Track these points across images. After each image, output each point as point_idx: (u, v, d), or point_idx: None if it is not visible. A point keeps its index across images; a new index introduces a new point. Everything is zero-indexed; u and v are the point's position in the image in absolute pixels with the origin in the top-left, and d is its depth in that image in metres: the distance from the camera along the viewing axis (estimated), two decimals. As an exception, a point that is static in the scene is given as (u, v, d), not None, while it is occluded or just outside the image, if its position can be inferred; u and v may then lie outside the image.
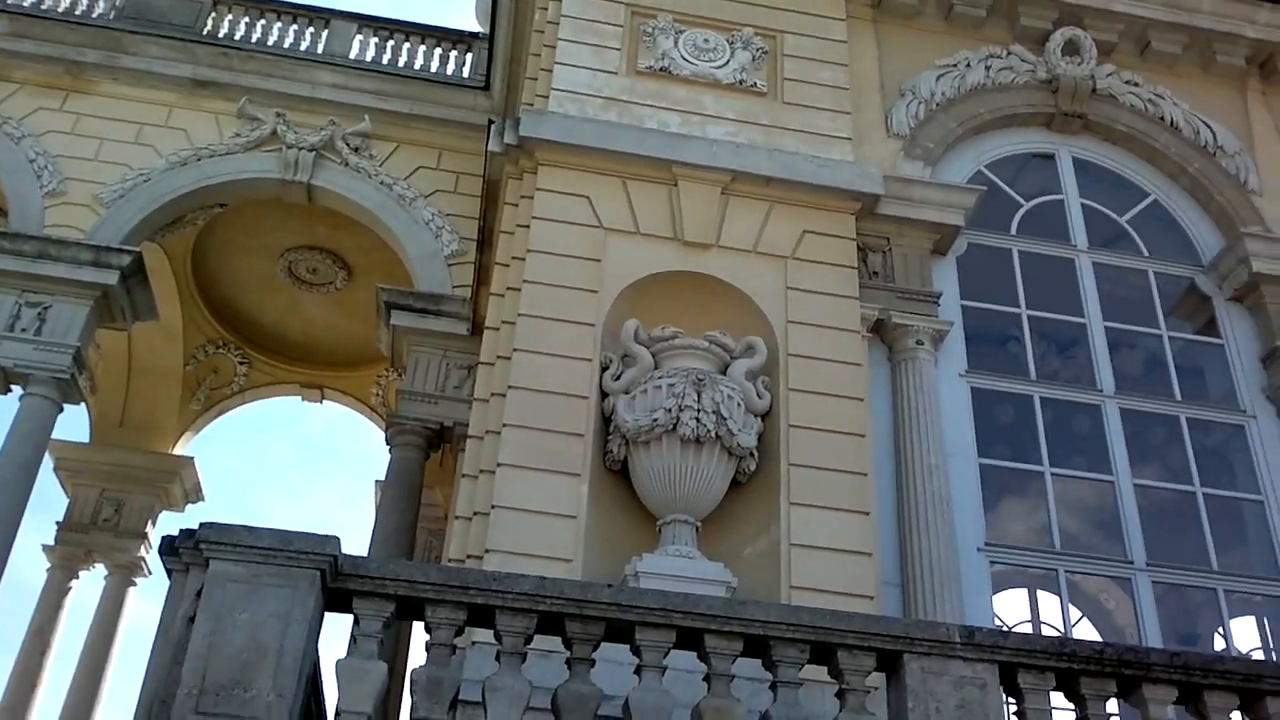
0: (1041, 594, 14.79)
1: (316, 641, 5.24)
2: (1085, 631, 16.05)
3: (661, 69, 10.35)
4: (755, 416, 8.66)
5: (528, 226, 9.40)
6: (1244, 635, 13.50)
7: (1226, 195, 11.42)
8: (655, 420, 8.21)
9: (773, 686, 5.60)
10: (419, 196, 13.72)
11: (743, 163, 9.76)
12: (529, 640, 5.49)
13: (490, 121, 10.83)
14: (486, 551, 7.77)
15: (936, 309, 9.98)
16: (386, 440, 12.80)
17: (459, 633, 5.50)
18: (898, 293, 9.92)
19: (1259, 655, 12.38)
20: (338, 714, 5.06)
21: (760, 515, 8.44)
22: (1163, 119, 11.71)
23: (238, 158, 13.64)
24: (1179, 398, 10.50)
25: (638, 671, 5.54)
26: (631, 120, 9.94)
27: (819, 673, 5.80)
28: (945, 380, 9.87)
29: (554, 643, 5.66)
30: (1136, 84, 11.84)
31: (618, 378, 8.69)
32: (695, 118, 10.13)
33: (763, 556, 8.23)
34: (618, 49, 10.41)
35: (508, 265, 9.48)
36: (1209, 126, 11.74)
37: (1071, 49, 11.65)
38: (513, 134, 9.78)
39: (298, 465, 42.06)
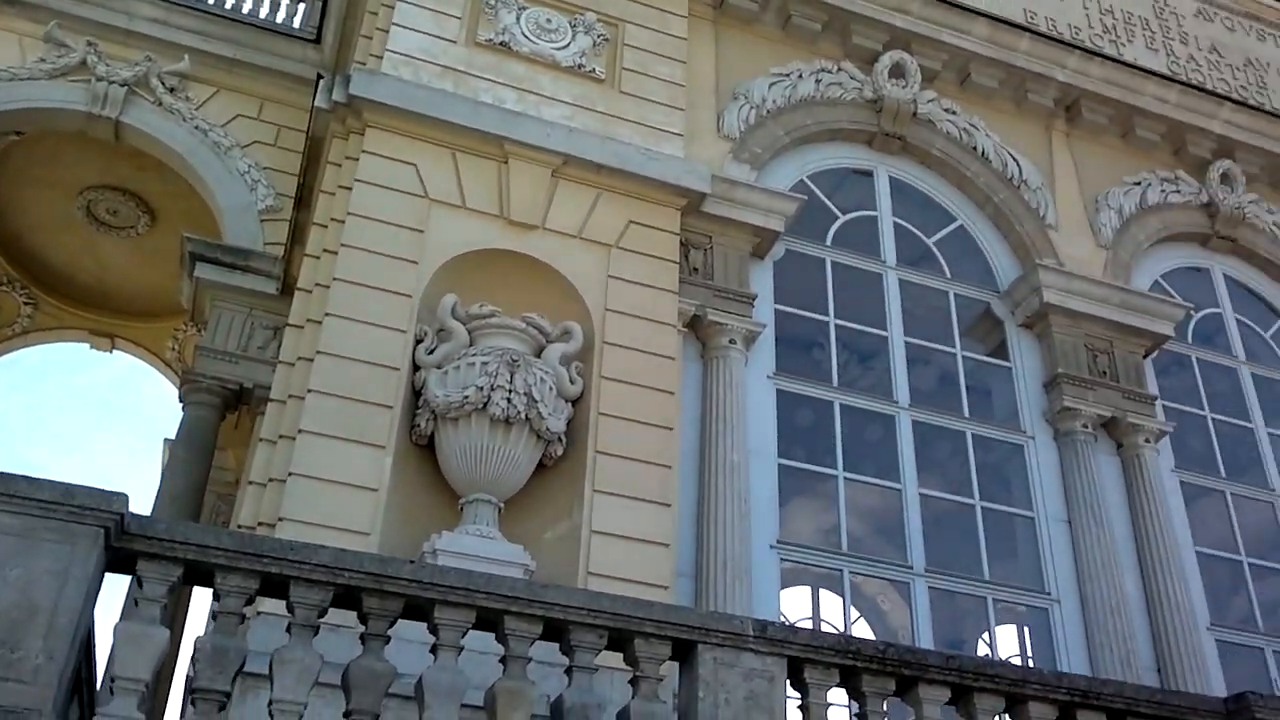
0: (825, 593, 15.40)
1: (94, 603, 4.94)
2: (862, 631, 16.79)
3: (501, 43, 10.21)
4: (566, 401, 8.67)
5: (350, 189, 9.14)
6: (1006, 643, 14.40)
7: (1026, 227, 12.08)
8: (466, 397, 8.12)
9: (568, 671, 5.61)
10: (235, 146, 13.13)
11: (576, 147, 9.74)
12: (323, 614, 5.33)
13: (319, 76, 10.48)
14: (280, 520, 7.54)
15: (751, 310, 10.21)
16: (180, 398, 12.26)
17: (249, 602, 5.30)
18: (715, 291, 10.10)
19: (1017, 662, 13.19)
20: (112, 680, 4.79)
21: (564, 500, 8.46)
22: (975, 149, 12.29)
23: (41, 84, 12.74)
24: (967, 415, 11.07)
25: (433, 650, 5.46)
26: (467, 92, 9.78)
27: (613, 659, 5.85)
28: (754, 380, 10.12)
29: (346, 617, 5.52)
30: (954, 112, 12.39)
31: (431, 351, 8.55)
32: (532, 97, 10.04)
33: (563, 541, 8.26)
34: (458, 18, 10.22)
35: (325, 227, 9.20)
36: (1016, 160, 12.39)
37: (898, 72, 12.10)
38: (342, 91, 9.47)
39: (78, 417, 39.72)
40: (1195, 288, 13.04)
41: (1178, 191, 13.17)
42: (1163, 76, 13.43)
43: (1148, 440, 11.16)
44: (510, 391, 8.18)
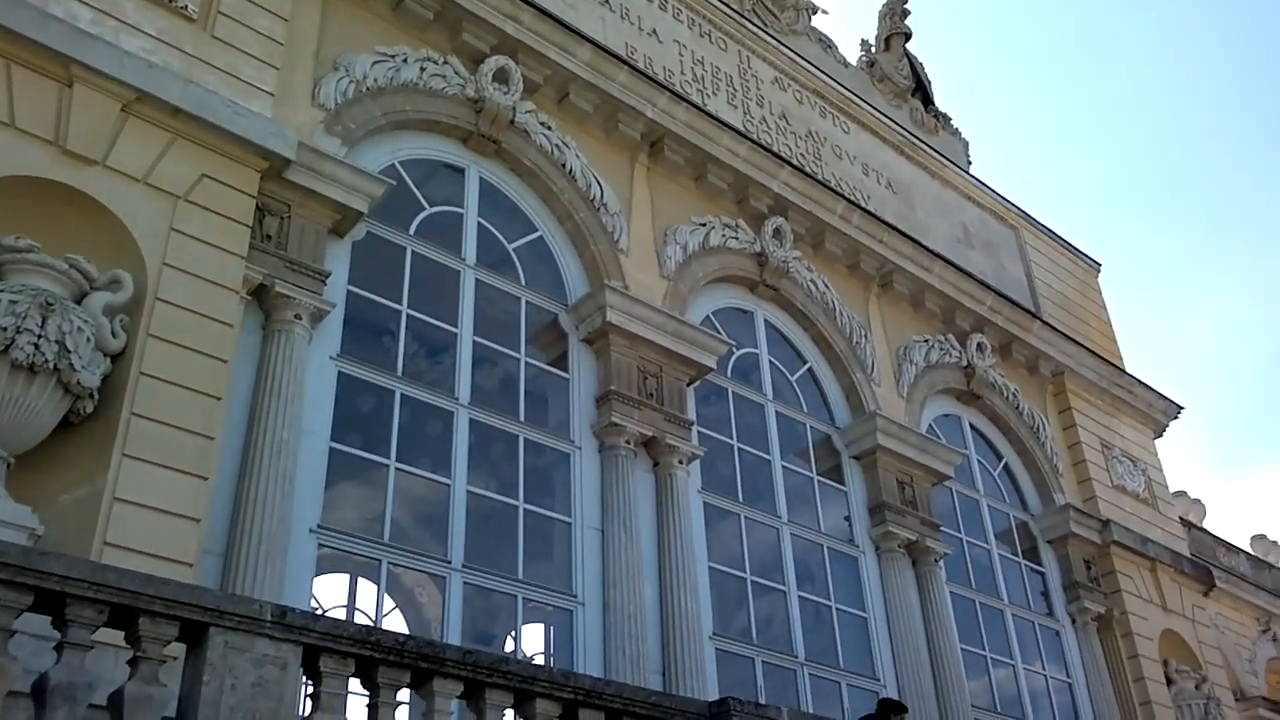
0: (362, 581, 15.21)
1: None
2: (396, 622, 16.76)
3: (83, -44, 9.25)
4: (105, 356, 7.98)
5: None
6: (533, 640, 14.96)
7: (600, 248, 12.68)
8: (-15, 337, 7.26)
9: (59, 647, 5.16)
10: None
11: (153, 84, 8.96)
12: None
13: None
14: None
15: (323, 287, 9.94)
16: None
17: None
18: (287, 263, 9.73)
19: (541, 660, 13.75)
20: None
21: (88, 462, 7.75)
22: (565, 166, 12.74)
23: None
24: (523, 419, 11.41)
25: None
26: (36, 0, 8.76)
27: (114, 636, 5.45)
28: (315, 360, 9.85)
29: None
30: (550, 128, 12.78)
31: (-52, 280, 7.57)
32: (111, 21, 9.15)
33: (81, 506, 7.56)
34: (35, -84, 9.14)
35: None
36: (600, 184, 12.98)
37: (502, 77, 12.29)
38: (-125, -32, 8.19)
39: None
40: (739, 327, 14.29)
41: (736, 238, 14.37)
42: (737, 132, 14.61)
43: (681, 461, 12.04)
44: (40, 337, 7.42)
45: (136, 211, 8.64)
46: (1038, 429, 17.50)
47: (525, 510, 11.02)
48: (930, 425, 16.06)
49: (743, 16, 16.59)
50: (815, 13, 18.34)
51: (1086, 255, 21.17)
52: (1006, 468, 17.19)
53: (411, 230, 11.34)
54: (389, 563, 10.33)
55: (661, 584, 11.41)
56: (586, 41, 13.11)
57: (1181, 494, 22.95)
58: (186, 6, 9.69)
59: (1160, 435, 19.87)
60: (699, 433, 12.64)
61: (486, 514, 11.31)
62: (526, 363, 11.82)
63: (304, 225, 10.03)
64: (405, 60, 11.72)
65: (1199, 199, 50.26)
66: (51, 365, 7.43)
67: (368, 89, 11.23)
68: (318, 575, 10.69)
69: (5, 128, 8.27)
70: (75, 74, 8.67)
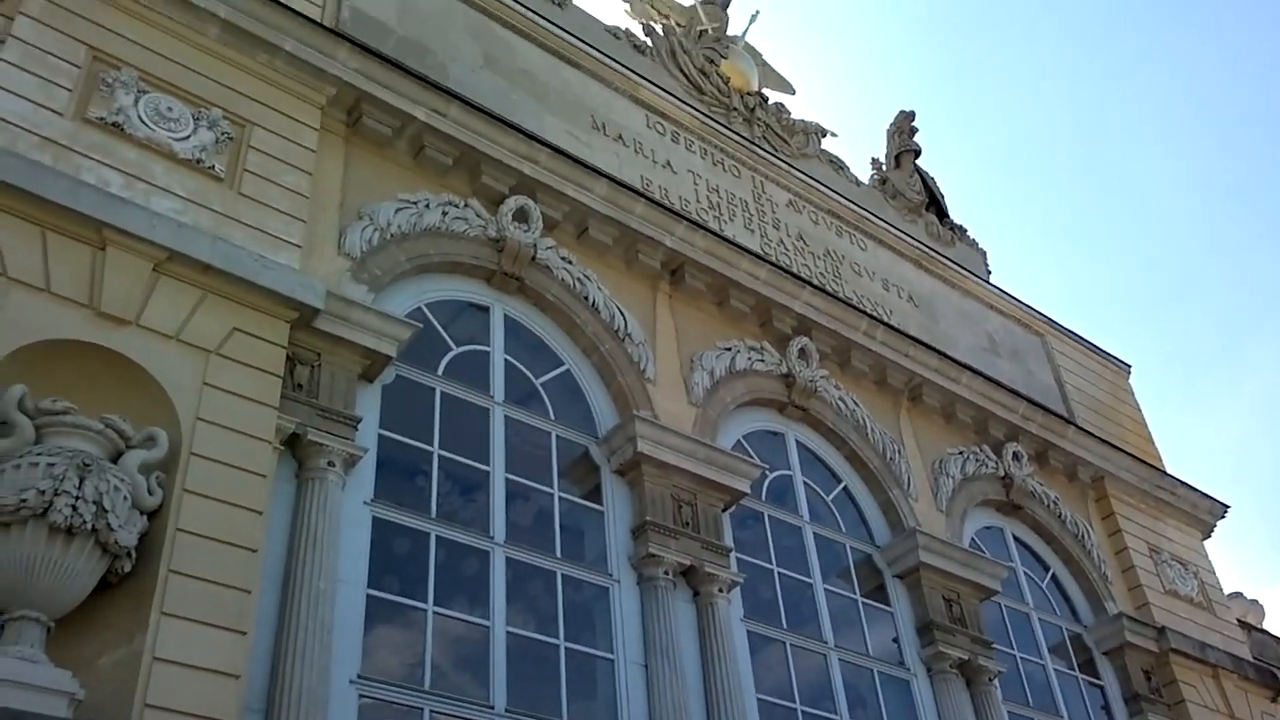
0: (401, 731, 14.81)
1: None
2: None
3: (114, 124, 9.55)
4: (142, 514, 7.94)
5: (-90, 256, 8.09)
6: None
7: (627, 378, 12.70)
8: (24, 500, 7.23)
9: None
10: None
11: (183, 243, 9.16)
12: None
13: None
14: None
15: (354, 433, 9.95)
16: None
17: None
18: (319, 410, 9.76)
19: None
20: None
21: (126, 622, 7.65)
22: (587, 299, 12.85)
23: None
24: (559, 555, 11.27)
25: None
26: (68, 169, 9.00)
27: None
28: (349, 506, 9.80)
29: None
30: (571, 262, 12.94)
31: (-14, 446, 7.60)
32: (141, 184, 9.41)
33: (121, 668, 7.42)
34: (69, 90, 9.47)
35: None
36: (623, 314, 13.07)
37: (522, 216, 12.51)
38: (-84, 148, 8.46)
39: None
40: (772, 449, 14.18)
41: (762, 360, 14.38)
42: (756, 255, 14.77)
43: (721, 590, 11.82)
44: (78, 499, 7.39)
45: (170, 368, 8.72)
46: (1083, 537, 17.17)
47: (566, 649, 10.79)
48: (973, 539, 15.78)
49: (754, 144, 16.92)
50: (824, 136, 18.69)
51: (1115, 357, 21.08)
52: (1054, 578, 16.80)
53: (440, 371, 11.40)
54: (431, 710, 10.07)
55: (709, 718, 11.08)
56: (603, 177, 13.36)
57: (1237, 595, 22.31)
58: (214, 167, 9.95)
59: (1209, 536, 19.45)
60: (738, 559, 12.45)
61: (527, 653, 11.06)
62: (560, 497, 11.73)
63: (334, 372, 10.10)
64: (427, 205, 11.95)
65: (1222, 286, 50.22)
66: (89, 526, 7.39)
67: (392, 235, 11.43)
68: (358, 727, 10.43)
69: (41, 292, 8.41)
70: (108, 237, 8.85)
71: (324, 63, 11.36)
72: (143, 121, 9.73)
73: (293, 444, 9.55)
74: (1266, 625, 22.93)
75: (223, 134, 10.21)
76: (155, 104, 9.92)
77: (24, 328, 8.18)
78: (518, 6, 14.57)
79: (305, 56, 11.21)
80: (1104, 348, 20.99)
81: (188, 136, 9.95)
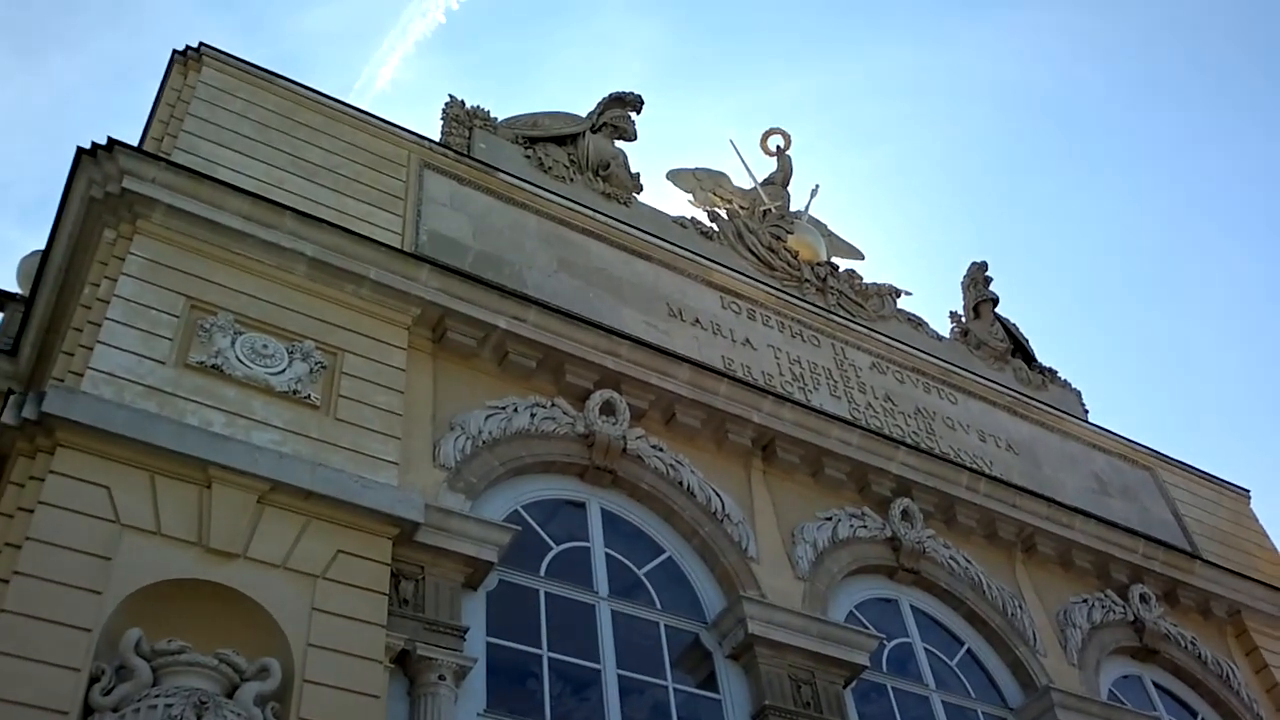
0: None
1: None
2: None
3: (214, 366, 10.05)
4: (260, 746, 8.00)
5: (32, 511, 8.46)
6: None
7: (730, 559, 12.56)
8: (145, 745, 7.35)
9: None
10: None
11: (284, 473, 9.48)
12: None
13: (9, 391, 9.90)
14: None
15: (462, 644, 9.94)
16: None
17: None
18: (426, 624, 9.80)
19: None
20: None
21: None
22: (681, 483, 12.87)
23: None
24: (679, 749, 10.96)
25: None
26: (172, 413, 9.45)
27: None
28: (464, 718, 9.70)
29: None
30: (661, 449, 13.02)
31: (108, 692, 7.75)
32: (242, 421, 9.81)
33: None
34: (169, 339, 10.03)
35: (0, 552, 8.40)
36: (719, 495, 13.03)
37: (608, 409, 12.70)
38: (34, 408, 8.91)
39: None
40: (886, 617, 13.79)
41: (865, 526, 14.14)
42: (846, 421, 14.71)
43: (850, 771, 11.33)
44: (196, 736, 7.47)
45: (278, 597, 8.88)
46: (1227, 676, 16.21)
47: None
48: (1110, 690, 15.00)
49: (830, 312, 17.09)
50: (899, 295, 18.80)
51: (1232, 483, 20.31)
52: (1204, 724, 15.82)
53: (541, 571, 11.41)
54: None
55: None
56: (684, 361, 13.56)
57: None
58: (310, 396, 10.35)
59: (1365, 663, 18.21)
60: (864, 737, 11.97)
61: None
62: (675, 689, 11.48)
63: (438, 584, 10.18)
64: (515, 409, 12.21)
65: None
66: (209, 764, 7.44)
67: (484, 442, 11.67)
68: None
69: (152, 535, 8.71)
70: (213, 475, 9.19)
71: (407, 285, 11.89)
72: (240, 361, 10.22)
73: (403, 661, 9.56)
74: None
75: (316, 364, 10.65)
76: (251, 343, 10.43)
77: (137, 571, 8.45)
78: (585, 209, 15.15)
79: (389, 282, 11.75)
80: (1218, 475, 20.26)
81: (283, 370, 10.40)
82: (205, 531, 8.91)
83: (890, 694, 12.97)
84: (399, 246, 12.36)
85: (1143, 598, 16.07)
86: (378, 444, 10.45)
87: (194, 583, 8.67)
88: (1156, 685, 15.81)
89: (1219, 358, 48.24)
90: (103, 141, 10.90)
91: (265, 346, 10.51)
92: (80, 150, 10.98)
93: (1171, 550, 16.96)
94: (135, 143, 11.63)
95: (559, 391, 12.75)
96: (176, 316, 10.26)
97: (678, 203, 19.01)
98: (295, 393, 10.30)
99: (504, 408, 12.15)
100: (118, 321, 9.91)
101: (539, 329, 12.67)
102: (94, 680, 7.79)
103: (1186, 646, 16.18)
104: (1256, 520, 20.06)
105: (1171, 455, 19.72)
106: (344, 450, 10.17)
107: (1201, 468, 20.10)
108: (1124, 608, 15.90)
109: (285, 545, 9.20)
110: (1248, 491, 20.44)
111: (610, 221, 15.29)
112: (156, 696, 7.64)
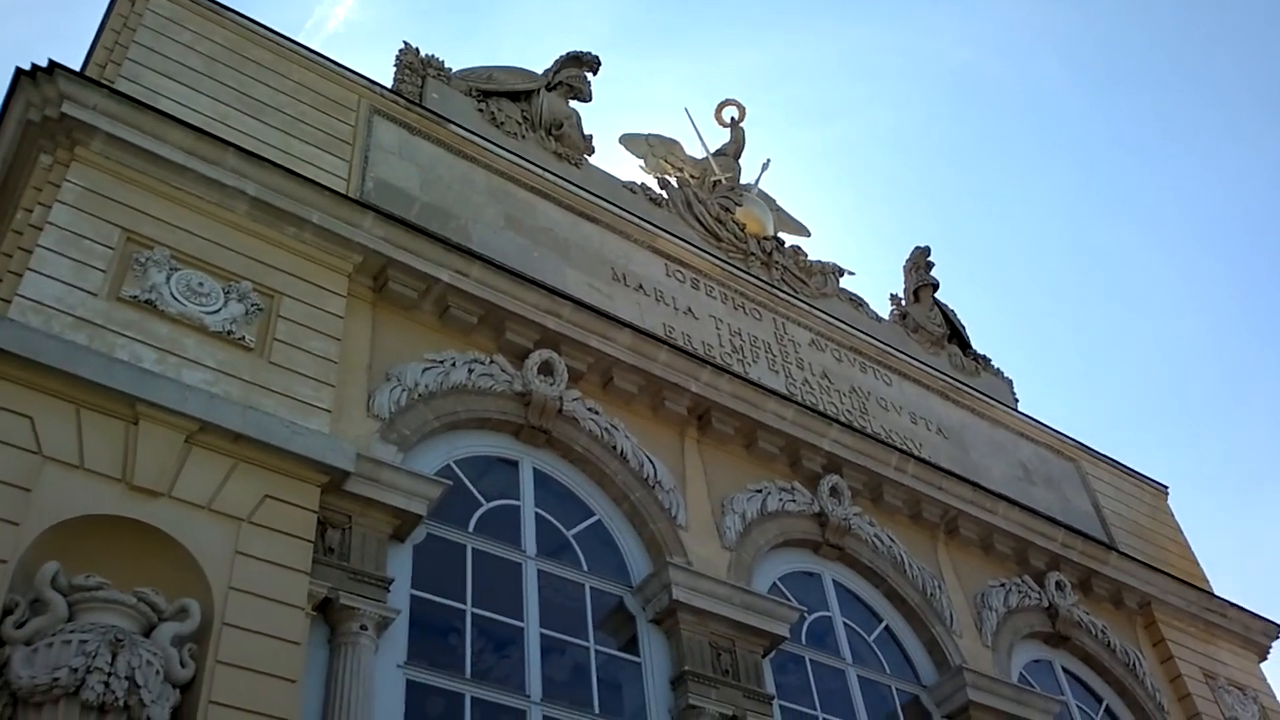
0: None
1: None
2: None
3: (147, 301, 9.85)
4: (174, 687, 7.91)
5: (-50, 439, 8.27)
6: None
7: (659, 525, 12.63)
8: (56, 680, 7.23)
9: None
10: None
11: (214, 414, 9.33)
12: None
13: (-68, 317, 9.62)
14: None
15: (386, 595, 9.91)
16: None
17: None
18: (350, 573, 9.75)
19: None
20: None
21: (158, 801, 7.56)
22: (615, 448, 12.89)
23: None
24: (597, 710, 11.05)
25: None
26: (101, 346, 9.26)
27: None
28: (382, 670, 9.69)
29: None
30: (597, 412, 13.02)
31: (21, 625, 7.62)
32: (173, 358, 9.65)
33: None
34: (103, 270, 9.81)
35: (-87, 480, 8.20)
36: (652, 462, 13.08)
37: (547, 369, 12.67)
38: (-44, 335, 8.72)
39: None
40: (809, 590, 13.97)
41: (794, 501, 14.29)
42: (782, 396, 14.82)
43: (765, 739, 11.49)
44: (110, 675, 7.38)
45: (201, 538, 8.77)
46: (1133, 665, 16.68)
47: (609, 809, 10.48)
48: (1021, 674, 15.36)
49: (773, 287, 17.17)
50: (842, 275, 18.94)
51: (1152, 479, 20.81)
52: (1108, 710, 16.26)
53: (470, 528, 11.39)
54: None
55: None
56: (625, 326, 13.56)
57: (1302, 720, 21.46)
58: (244, 338, 10.20)
59: (1265, 658, 18.84)
60: (780, 706, 12.14)
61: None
62: (596, 650, 11.55)
63: (365, 534, 10.12)
64: (454, 364, 12.13)
65: (1256, 400, 49.62)
66: (121, 703, 7.36)
67: (419, 395, 11.59)
68: None
69: (75, 469, 8.55)
70: (140, 411, 9.03)
71: (350, 232, 11.73)
72: (174, 298, 10.03)
73: (325, 609, 9.51)
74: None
75: (252, 305, 10.49)
76: (187, 280, 10.24)
77: (58, 505, 8.30)
78: (535, 168, 15.05)
79: (331, 227, 11.59)
80: (1139, 470, 20.75)
81: (218, 310, 10.23)
82: (130, 468, 8.77)
83: (808, 666, 13.17)
84: (344, 192, 12.19)
85: (1058, 585, 16.45)
86: (311, 390, 10.33)
87: (116, 519, 8.52)
88: (1066, 670, 16.23)
89: (1147, 356, 49.28)
90: (43, 64, 10.59)
91: (201, 285, 10.32)
92: (19, 71, 10.66)
93: (1089, 540, 17.36)
94: (78, 67, 11.30)
95: (498, 349, 12.69)
96: (111, 248, 10.03)
97: (629, 168, 18.98)
98: (229, 333, 10.14)
99: (442, 361, 12.07)
100: (50, 249, 9.67)
101: (482, 285, 12.59)
102: (7, 612, 7.65)
103: (1097, 635, 16.60)
104: (1172, 516, 20.60)
105: (1096, 448, 20.15)
106: (276, 394, 10.04)
107: (1124, 462, 20.57)
108: (1040, 594, 16.26)
109: (211, 487, 9.07)
110: (1166, 487, 20.98)
111: (560, 182, 15.21)
112: (71, 632, 7.53)
